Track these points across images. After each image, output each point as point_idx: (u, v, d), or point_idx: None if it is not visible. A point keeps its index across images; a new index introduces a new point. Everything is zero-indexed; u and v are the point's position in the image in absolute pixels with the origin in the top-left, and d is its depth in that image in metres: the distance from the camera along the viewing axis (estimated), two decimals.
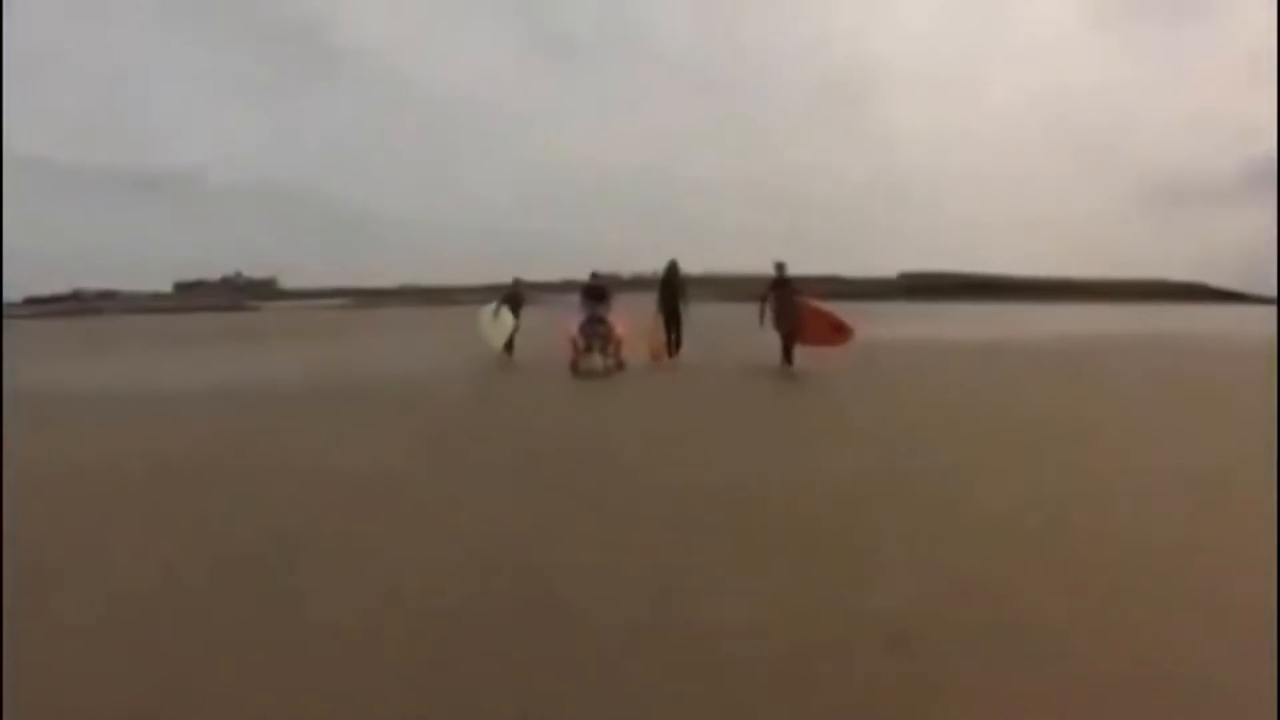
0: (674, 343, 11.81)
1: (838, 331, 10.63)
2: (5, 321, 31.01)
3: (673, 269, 12.01)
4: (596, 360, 10.77)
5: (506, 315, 12.53)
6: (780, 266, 10.92)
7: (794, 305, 10.67)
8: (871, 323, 16.66)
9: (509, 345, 12.22)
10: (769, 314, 10.87)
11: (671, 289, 11.89)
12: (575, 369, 10.85)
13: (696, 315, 13.11)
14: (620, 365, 11.03)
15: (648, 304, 12.89)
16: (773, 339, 11.30)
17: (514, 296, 12.96)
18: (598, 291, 11.96)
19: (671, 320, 11.87)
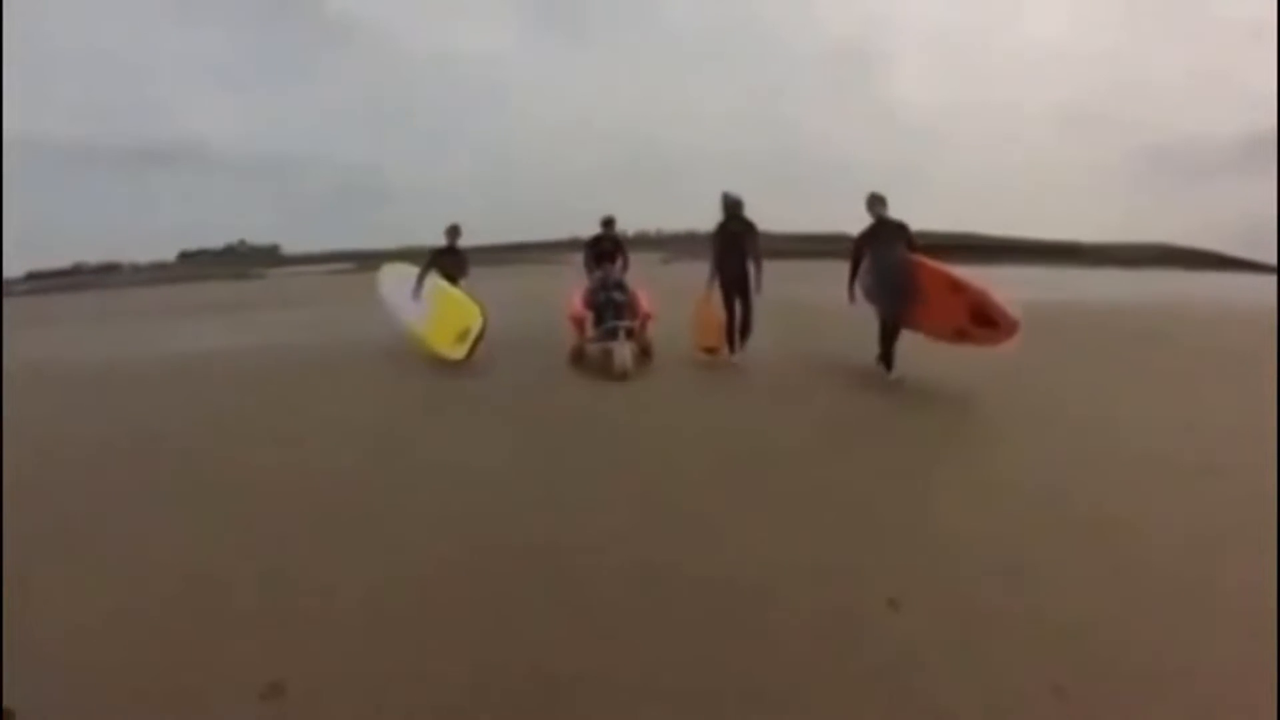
0: (740, 330, 7.50)
1: (986, 324, 6.12)
2: (4, 299, 31.30)
3: (735, 207, 7.40)
4: (625, 354, 7.12)
5: (454, 296, 8.04)
6: (877, 200, 6.68)
7: (908, 270, 6.52)
8: None
9: (472, 349, 7.47)
10: (865, 284, 6.94)
11: (737, 242, 7.32)
12: (578, 359, 7.79)
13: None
14: (646, 353, 7.82)
15: (653, 265, 10.08)
16: (847, 314, 7.38)
17: (450, 257, 8.52)
18: (609, 246, 8.58)
19: (735, 293, 7.42)
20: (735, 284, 7.38)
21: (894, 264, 6.61)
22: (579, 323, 7.76)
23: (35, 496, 4.21)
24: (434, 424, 5.70)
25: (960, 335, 6.39)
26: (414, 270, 8.57)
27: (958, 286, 6.30)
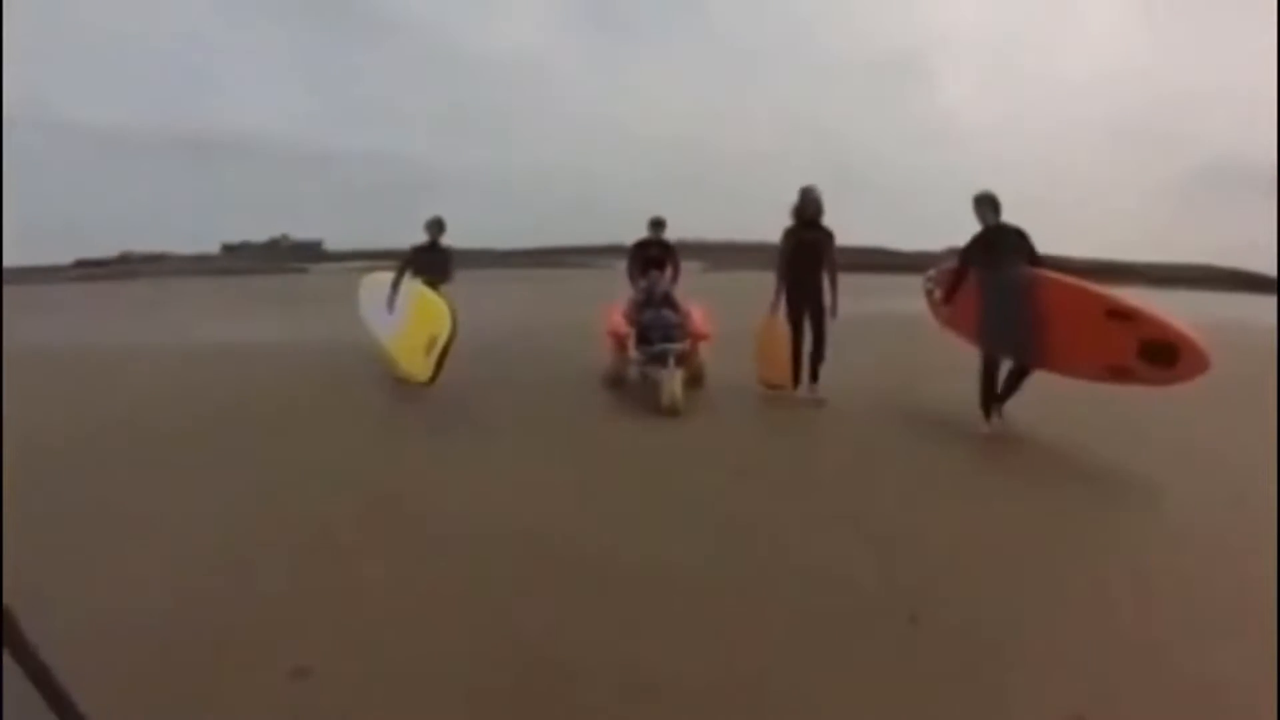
0: (811, 358, 6.27)
1: (1160, 361, 4.72)
2: (55, 285, 32.46)
3: (815, 208, 6.15)
4: (675, 385, 5.90)
5: (429, 299, 6.45)
6: (986, 202, 5.26)
7: (1039, 293, 5.12)
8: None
9: (438, 366, 5.78)
10: (973, 319, 5.51)
11: (813, 253, 6.14)
12: (615, 384, 6.78)
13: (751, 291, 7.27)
14: (696, 380, 6.64)
15: (692, 275, 8.44)
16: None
17: (431, 256, 7.13)
18: (657, 252, 7.29)
19: (807, 312, 6.23)
20: (808, 303, 6.18)
21: (1016, 286, 5.13)
22: (619, 340, 6.66)
23: (61, 479, 4.25)
24: (447, 445, 5.30)
25: (1118, 374, 5.02)
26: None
27: (1124, 313, 4.92)
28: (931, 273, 6.71)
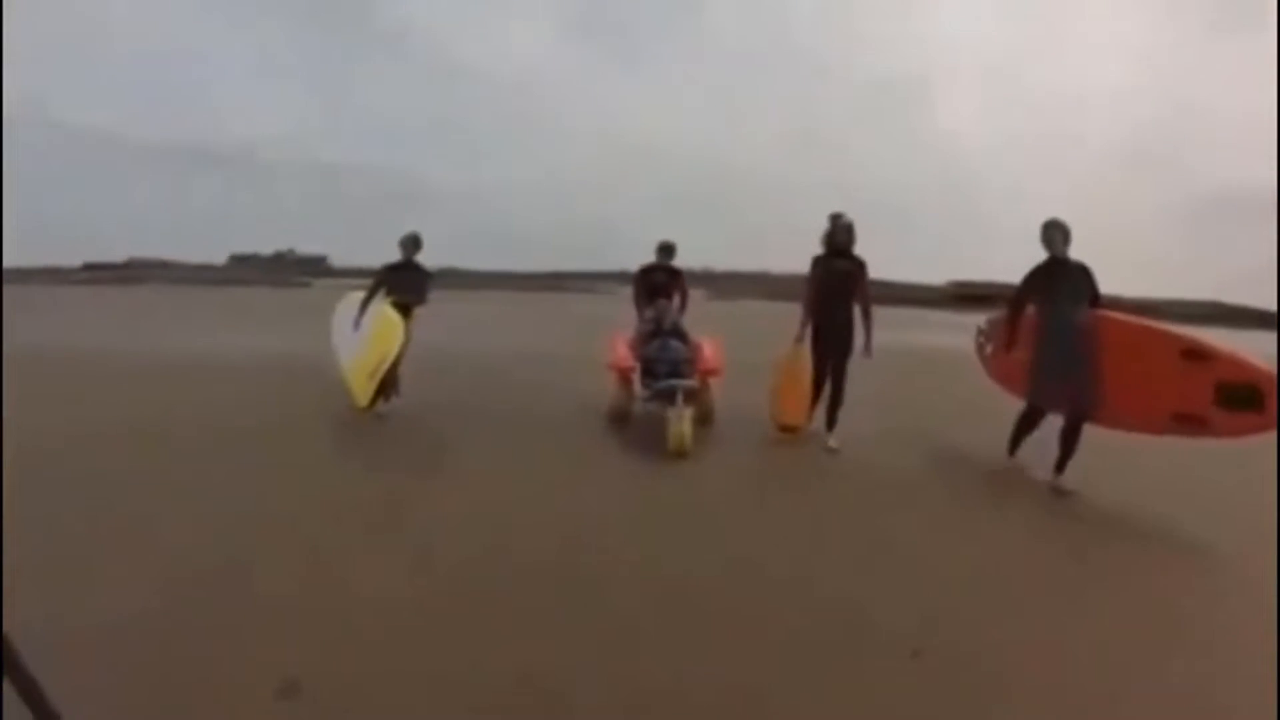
0: (829, 403, 5.80)
1: (1240, 406, 4.14)
2: (62, 288, 32.63)
3: (847, 236, 5.66)
4: (685, 426, 5.46)
5: (387, 317, 6.11)
6: (1056, 229, 4.73)
7: (1103, 338, 4.66)
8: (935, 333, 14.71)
9: (381, 389, 5.90)
10: (1030, 358, 4.94)
11: (843, 285, 5.68)
12: (619, 419, 6.32)
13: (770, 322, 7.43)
14: (706, 419, 6.20)
15: (696, 304, 7.83)
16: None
17: (402, 276, 6.48)
18: (663, 278, 6.87)
19: (832, 353, 5.73)
20: (835, 340, 5.67)
21: (1075, 327, 4.63)
22: (624, 374, 6.23)
23: (49, 486, 4.20)
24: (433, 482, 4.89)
25: (1188, 424, 4.40)
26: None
27: (1199, 353, 4.33)
28: (983, 324, 6.33)
